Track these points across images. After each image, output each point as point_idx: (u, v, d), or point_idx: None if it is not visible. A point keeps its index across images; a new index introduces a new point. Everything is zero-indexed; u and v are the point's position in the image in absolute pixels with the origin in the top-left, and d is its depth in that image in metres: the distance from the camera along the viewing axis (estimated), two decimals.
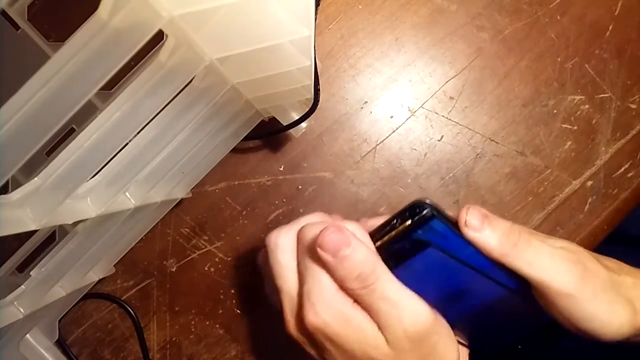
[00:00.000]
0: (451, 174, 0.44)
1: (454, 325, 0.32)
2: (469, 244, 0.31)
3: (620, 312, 0.30)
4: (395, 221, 0.31)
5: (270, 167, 0.44)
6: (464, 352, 0.33)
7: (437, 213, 0.30)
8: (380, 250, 0.30)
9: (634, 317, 0.30)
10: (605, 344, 0.32)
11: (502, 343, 0.36)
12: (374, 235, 0.31)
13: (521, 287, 0.32)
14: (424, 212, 0.30)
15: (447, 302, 0.33)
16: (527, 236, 0.30)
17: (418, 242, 0.30)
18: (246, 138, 0.39)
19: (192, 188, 0.42)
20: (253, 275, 0.44)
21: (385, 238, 0.31)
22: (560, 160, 0.44)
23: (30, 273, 0.32)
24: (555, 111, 0.44)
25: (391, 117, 0.44)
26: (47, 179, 0.24)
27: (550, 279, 0.29)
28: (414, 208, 0.30)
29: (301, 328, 0.29)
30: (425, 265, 0.31)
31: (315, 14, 0.27)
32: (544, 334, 0.41)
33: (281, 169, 0.44)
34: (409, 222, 0.30)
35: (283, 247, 0.29)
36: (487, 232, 0.30)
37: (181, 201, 0.42)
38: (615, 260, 0.33)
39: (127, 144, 0.27)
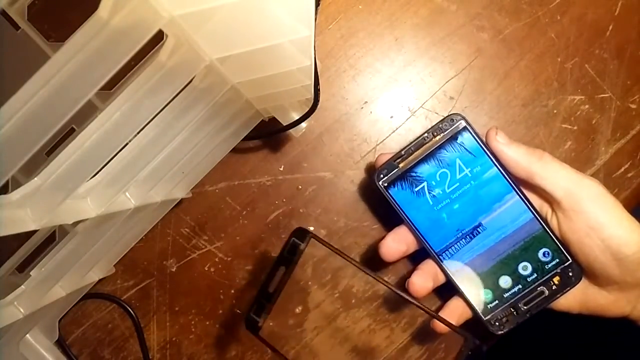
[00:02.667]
0: None
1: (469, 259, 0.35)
2: (493, 163, 0.35)
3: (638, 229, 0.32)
4: (427, 135, 0.35)
5: (270, 167, 0.44)
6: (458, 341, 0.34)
7: (469, 126, 0.34)
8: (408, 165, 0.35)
9: None
10: (591, 342, 0.34)
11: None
12: (405, 150, 0.35)
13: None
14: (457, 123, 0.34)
15: (467, 236, 0.35)
16: (549, 155, 0.34)
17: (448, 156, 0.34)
18: (246, 138, 0.39)
19: (192, 188, 0.42)
20: (253, 275, 0.44)
21: (418, 151, 0.35)
22: (560, 160, 0.44)
23: (30, 273, 0.32)
24: (555, 111, 0.44)
25: (391, 117, 0.44)
26: (47, 179, 0.24)
27: (581, 184, 0.32)
28: (449, 119, 0.35)
29: None
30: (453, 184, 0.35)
31: (315, 14, 0.27)
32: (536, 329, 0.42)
33: (281, 169, 0.44)
34: (442, 134, 0.35)
35: None
36: (514, 146, 0.33)
37: (181, 201, 0.42)
38: None
39: (127, 144, 0.27)
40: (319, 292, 0.44)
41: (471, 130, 0.35)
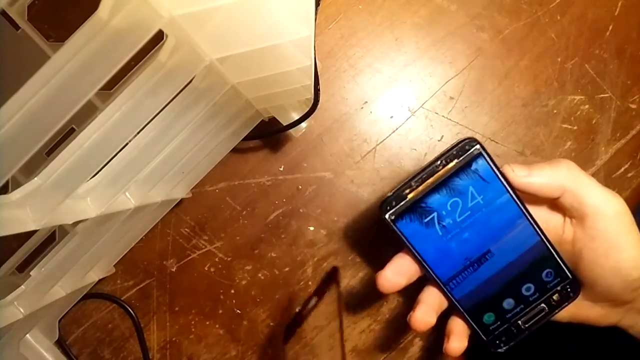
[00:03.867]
0: None
1: (480, 289, 0.34)
2: (505, 188, 0.33)
3: None
4: (439, 162, 0.32)
5: (270, 167, 0.44)
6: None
7: (484, 152, 0.32)
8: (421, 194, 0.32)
9: None
10: (594, 347, 0.33)
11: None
12: (415, 178, 0.32)
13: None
14: (472, 149, 0.32)
15: (474, 264, 0.34)
16: (572, 164, 0.33)
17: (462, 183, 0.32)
18: (246, 138, 0.39)
19: (192, 188, 0.42)
20: (253, 275, 0.44)
21: (430, 180, 0.32)
22: None
23: (30, 273, 0.32)
24: (555, 111, 0.44)
25: (391, 117, 0.44)
26: (47, 179, 0.24)
27: (609, 202, 0.31)
28: (463, 145, 0.32)
29: None
30: (463, 211, 0.33)
31: (315, 14, 0.27)
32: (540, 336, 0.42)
33: (281, 169, 0.44)
34: (455, 161, 0.32)
35: None
36: (536, 171, 0.32)
37: (181, 201, 0.42)
38: None
39: (127, 144, 0.27)
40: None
41: (486, 156, 0.32)
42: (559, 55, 0.44)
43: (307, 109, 0.35)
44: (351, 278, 0.44)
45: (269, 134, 0.43)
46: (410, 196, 0.32)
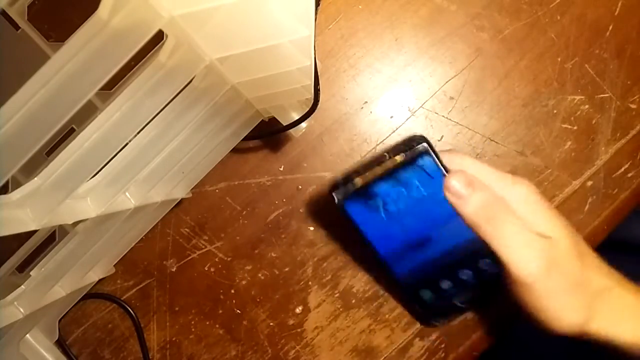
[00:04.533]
0: None
1: (415, 272, 0.38)
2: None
3: (572, 316, 0.30)
4: (387, 155, 0.34)
5: (270, 167, 0.44)
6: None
7: (431, 149, 0.34)
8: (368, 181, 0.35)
9: (585, 324, 0.30)
10: (577, 348, 0.33)
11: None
12: (364, 167, 0.35)
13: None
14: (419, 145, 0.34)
15: (415, 246, 0.37)
16: (504, 216, 0.30)
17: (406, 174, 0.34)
18: (246, 138, 0.39)
19: (192, 188, 0.42)
20: (253, 275, 0.44)
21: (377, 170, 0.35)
22: (560, 160, 0.44)
23: (30, 273, 0.32)
24: (555, 111, 0.44)
25: (391, 117, 0.44)
26: (47, 179, 0.24)
27: (513, 264, 0.29)
28: (412, 142, 0.34)
29: None
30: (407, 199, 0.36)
31: (315, 14, 0.27)
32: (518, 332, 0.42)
33: (281, 169, 0.44)
34: (402, 155, 0.34)
35: None
36: (465, 200, 0.31)
37: (181, 201, 0.42)
38: (614, 270, 0.33)
39: (127, 144, 0.27)
40: (319, 292, 0.44)
41: (432, 154, 0.34)
42: (559, 55, 0.44)
43: (307, 109, 0.35)
44: (351, 278, 0.44)
45: (269, 134, 0.43)
46: (358, 182, 0.35)
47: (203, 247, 0.44)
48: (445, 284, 0.38)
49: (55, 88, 0.19)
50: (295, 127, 0.37)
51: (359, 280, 0.44)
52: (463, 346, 0.43)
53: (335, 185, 0.36)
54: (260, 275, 0.44)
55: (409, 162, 0.34)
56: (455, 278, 0.38)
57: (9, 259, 0.41)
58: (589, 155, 0.44)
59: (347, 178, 0.36)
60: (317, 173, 0.44)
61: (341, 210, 0.36)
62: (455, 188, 0.31)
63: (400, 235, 0.37)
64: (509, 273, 0.30)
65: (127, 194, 0.31)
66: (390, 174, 0.35)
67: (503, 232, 0.30)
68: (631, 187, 0.44)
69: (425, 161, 0.34)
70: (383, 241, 0.37)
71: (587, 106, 0.44)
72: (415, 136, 0.34)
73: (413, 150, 0.34)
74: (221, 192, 0.44)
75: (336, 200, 0.36)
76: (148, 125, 0.27)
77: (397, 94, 0.44)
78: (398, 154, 0.34)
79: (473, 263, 0.37)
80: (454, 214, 0.34)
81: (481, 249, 0.36)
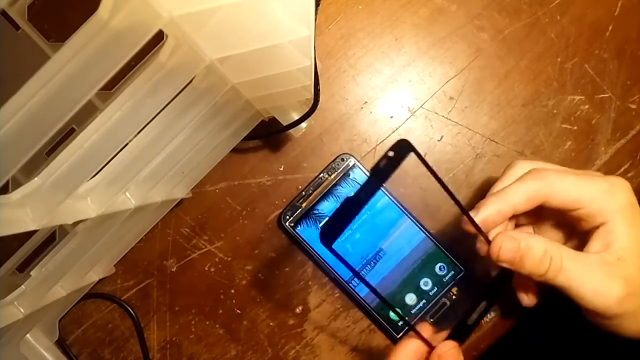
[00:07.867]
0: (451, 174, 0.44)
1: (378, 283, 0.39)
2: (383, 192, 0.39)
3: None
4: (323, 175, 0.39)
5: (270, 167, 0.44)
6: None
7: (358, 162, 0.38)
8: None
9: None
10: (577, 343, 0.33)
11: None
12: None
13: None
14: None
15: (372, 262, 0.39)
16: (558, 262, 0.29)
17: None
18: (246, 138, 0.39)
19: (192, 188, 0.42)
20: (253, 275, 0.44)
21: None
22: (560, 160, 0.44)
23: (30, 273, 0.32)
24: (555, 111, 0.44)
25: (391, 117, 0.44)
26: (47, 179, 0.24)
27: (587, 301, 0.28)
28: (339, 159, 0.39)
29: None
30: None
31: (315, 14, 0.27)
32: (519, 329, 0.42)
33: (281, 169, 0.44)
34: (335, 173, 0.38)
35: None
36: (520, 264, 0.30)
37: (181, 201, 0.42)
38: None
39: (127, 144, 0.27)
40: (319, 292, 0.44)
41: (360, 166, 0.38)
42: (559, 55, 0.44)
43: (307, 109, 0.35)
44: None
45: (269, 134, 0.43)
46: (303, 205, 0.39)
47: (203, 247, 0.44)
48: (410, 299, 0.39)
49: (55, 88, 0.19)
50: (295, 127, 0.37)
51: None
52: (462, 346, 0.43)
53: (283, 212, 0.38)
54: (260, 275, 0.44)
55: (343, 178, 0.39)
56: (417, 290, 0.39)
57: (9, 259, 0.41)
58: (589, 156, 0.44)
59: (294, 203, 0.39)
60: (317, 173, 0.44)
61: (295, 236, 0.38)
62: (507, 258, 0.29)
63: (354, 253, 0.38)
64: (583, 307, 0.29)
65: (127, 194, 0.31)
66: (330, 192, 0.39)
67: (564, 277, 0.29)
68: (631, 187, 0.44)
69: (356, 174, 0.38)
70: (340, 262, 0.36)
71: (587, 106, 0.44)
72: (341, 155, 0.39)
73: (344, 166, 0.39)
74: (221, 192, 0.44)
75: (288, 227, 0.38)
76: (148, 125, 0.27)
77: (397, 94, 0.44)
78: (332, 172, 0.39)
79: (430, 270, 0.39)
80: (395, 222, 0.36)
81: (433, 253, 0.38)
